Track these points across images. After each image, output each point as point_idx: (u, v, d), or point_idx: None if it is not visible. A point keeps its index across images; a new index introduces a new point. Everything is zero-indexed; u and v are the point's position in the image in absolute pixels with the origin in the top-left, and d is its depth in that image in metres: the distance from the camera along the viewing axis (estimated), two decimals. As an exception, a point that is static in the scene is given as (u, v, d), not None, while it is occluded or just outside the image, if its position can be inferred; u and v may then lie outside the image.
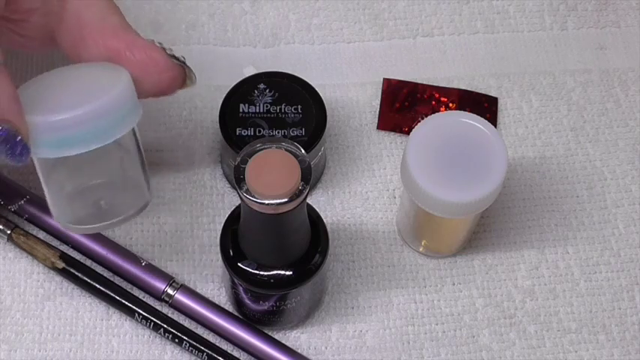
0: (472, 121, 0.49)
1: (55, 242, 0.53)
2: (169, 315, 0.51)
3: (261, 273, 0.47)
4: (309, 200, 0.47)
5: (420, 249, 0.54)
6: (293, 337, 0.52)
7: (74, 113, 0.42)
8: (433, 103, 0.58)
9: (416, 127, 0.49)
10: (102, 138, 0.43)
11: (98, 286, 0.51)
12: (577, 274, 0.54)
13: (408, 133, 0.57)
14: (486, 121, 0.49)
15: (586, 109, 0.58)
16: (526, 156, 0.57)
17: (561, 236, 0.55)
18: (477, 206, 0.48)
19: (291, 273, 0.47)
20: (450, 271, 0.54)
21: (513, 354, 0.52)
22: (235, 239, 0.48)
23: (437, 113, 0.52)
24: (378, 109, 0.58)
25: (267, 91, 0.53)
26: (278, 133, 0.52)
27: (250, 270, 0.47)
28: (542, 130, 0.58)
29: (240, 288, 0.48)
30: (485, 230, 0.55)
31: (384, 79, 0.58)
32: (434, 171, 0.48)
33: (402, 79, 0.58)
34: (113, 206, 0.47)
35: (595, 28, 0.61)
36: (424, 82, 0.58)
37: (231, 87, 0.53)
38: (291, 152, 0.44)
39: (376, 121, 0.57)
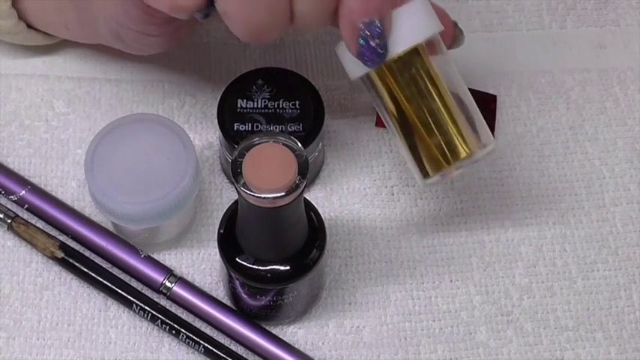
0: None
1: (55, 232, 0.53)
2: (167, 307, 0.51)
3: (259, 267, 0.47)
4: (307, 196, 0.47)
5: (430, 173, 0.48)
6: (290, 333, 0.52)
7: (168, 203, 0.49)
8: (432, 101, 0.58)
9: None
10: (186, 206, 0.50)
11: (97, 276, 0.51)
12: (575, 272, 0.54)
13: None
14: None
15: (585, 108, 0.58)
16: (524, 154, 0.57)
17: (559, 234, 0.55)
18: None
19: (288, 268, 0.47)
20: (447, 268, 0.54)
21: (510, 351, 0.52)
22: (233, 234, 0.48)
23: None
24: (377, 107, 0.58)
25: (266, 86, 0.53)
26: (276, 128, 0.52)
27: (247, 264, 0.47)
28: (540, 129, 0.58)
29: (238, 282, 0.49)
30: (483, 227, 0.55)
31: (384, 77, 0.58)
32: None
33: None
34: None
35: (594, 27, 0.61)
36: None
37: (229, 82, 0.53)
38: (288, 146, 0.44)
39: (374, 118, 0.58)
